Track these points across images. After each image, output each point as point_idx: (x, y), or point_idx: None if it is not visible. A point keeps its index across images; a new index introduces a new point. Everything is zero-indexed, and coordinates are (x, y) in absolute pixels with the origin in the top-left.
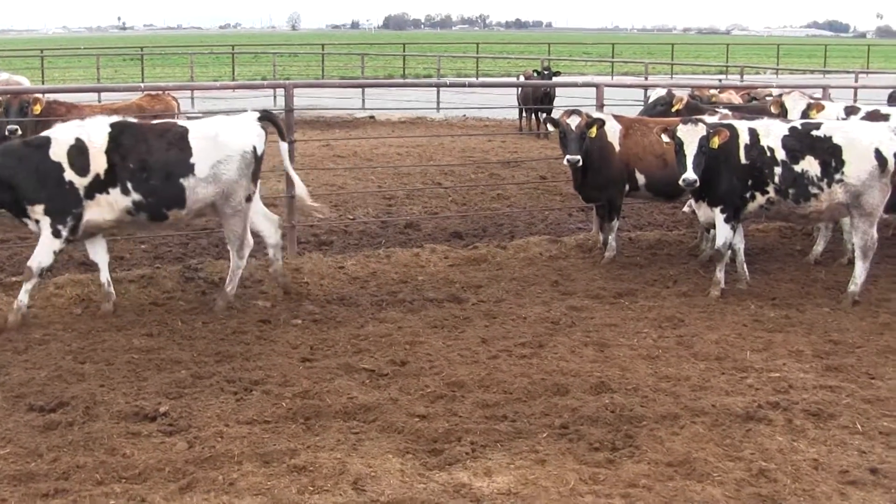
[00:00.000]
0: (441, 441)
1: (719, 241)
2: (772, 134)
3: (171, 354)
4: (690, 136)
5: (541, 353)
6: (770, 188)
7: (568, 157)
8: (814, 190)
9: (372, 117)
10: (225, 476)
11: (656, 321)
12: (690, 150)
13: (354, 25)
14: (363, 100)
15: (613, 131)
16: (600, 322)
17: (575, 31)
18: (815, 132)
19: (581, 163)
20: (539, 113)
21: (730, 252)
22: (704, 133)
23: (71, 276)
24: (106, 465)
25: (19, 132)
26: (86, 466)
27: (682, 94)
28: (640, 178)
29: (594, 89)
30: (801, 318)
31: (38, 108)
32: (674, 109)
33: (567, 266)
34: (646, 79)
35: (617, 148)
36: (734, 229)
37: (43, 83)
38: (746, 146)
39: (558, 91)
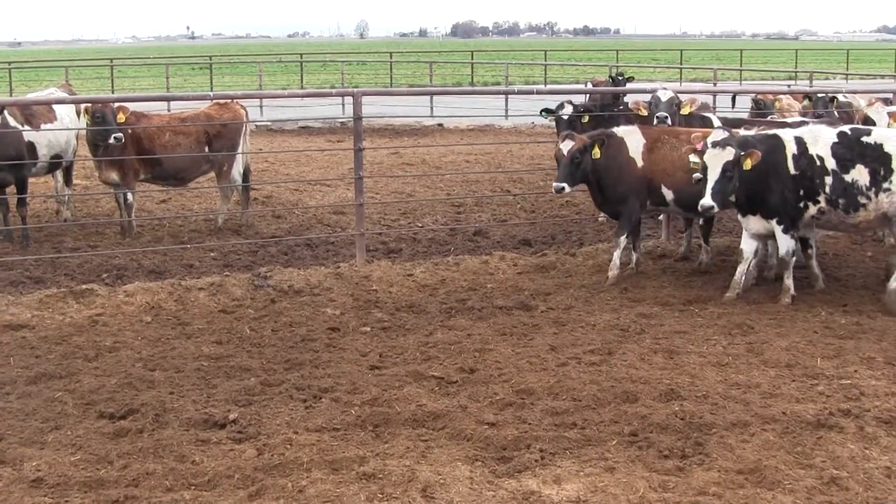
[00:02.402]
0: (510, 448)
1: (782, 251)
2: (820, 142)
3: (241, 362)
4: (715, 160)
5: (610, 361)
6: (821, 197)
7: (554, 184)
8: (863, 199)
9: (440, 125)
10: (294, 483)
11: (726, 328)
12: (713, 176)
13: (422, 33)
14: (431, 107)
15: (636, 145)
16: (670, 329)
17: (643, 37)
18: (865, 139)
19: (567, 189)
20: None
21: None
22: (731, 157)
23: (141, 283)
24: (175, 472)
25: (123, 140)
26: (155, 473)
27: (695, 97)
28: (668, 194)
29: None
30: (872, 325)
31: (122, 117)
32: (686, 112)
33: (636, 273)
34: (714, 85)
35: (639, 163)
36: (794, 238)
37: (113, 92)
38: (794, 156)
39: (627, 97)
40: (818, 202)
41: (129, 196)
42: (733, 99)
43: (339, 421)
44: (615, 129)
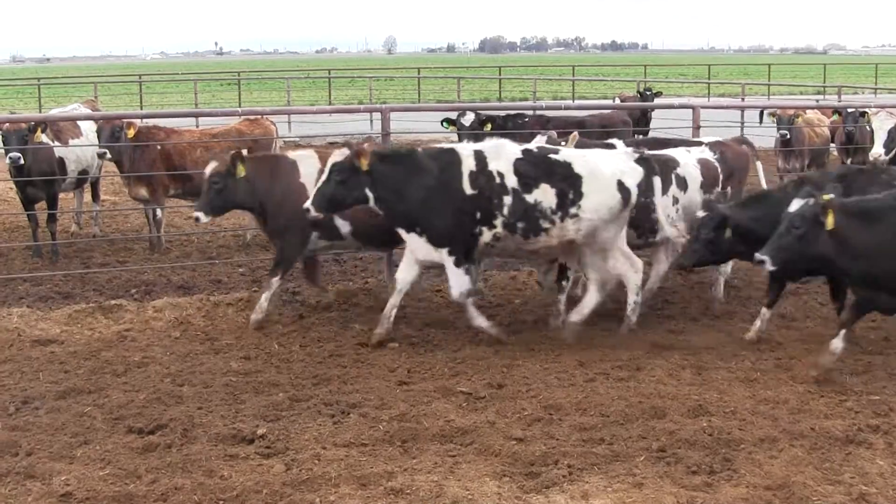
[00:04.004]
0: (538, 464)
1: (454, 292)
2: (503, 157)
3: (269, 377)
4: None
5: (638, 376)
6: (498, 221)
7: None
8: (545, 224)
9: None
10: (322, 498)
11: (754, 344)
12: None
13: (450, 49)
14: None
15: (310, 171)
16: (698, 345)
17: (671, 52)
18: (553, 156)
19: (204, 219)
20: (636, 135)
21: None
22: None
23: (169, 299)
24: (204, 486)
25: (108, 156)
26: (184, 488)
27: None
28: (343, 226)
29: (690, 111)
30: None
31: (131, 133)
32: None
33: (664, 289)
34: (742, 100)
35: (311, 190)
36: (469, 272)
37: (141, 108)
38: (472, 173)
39: (655, 113)
40: (494, 227)
41: (159, 212)
42: (761, 114)
43: (367, 436)
44: (289, 152)
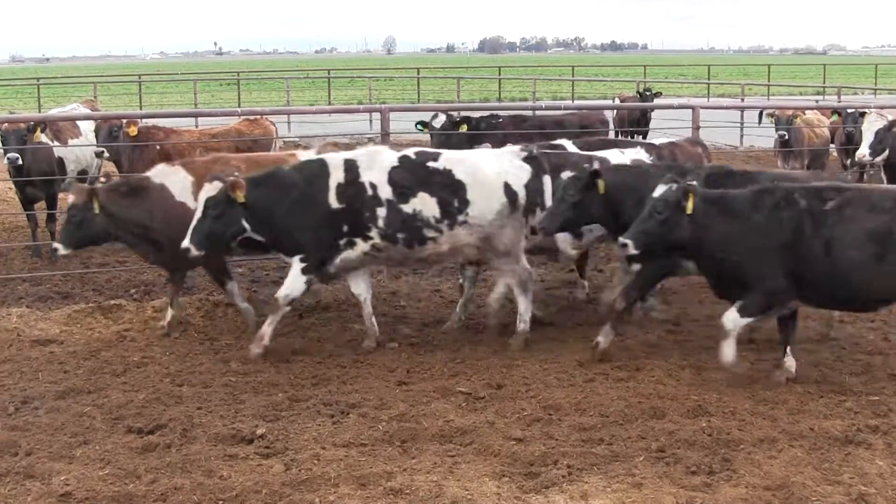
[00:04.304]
0: (537, 464)
1: (283, 291)
2: (376, 167)
3: (268, 377)
4: (202, 195)
5: (637, 377)
6: (373, 232)
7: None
8: (431, 233)
9: None
10: (321, 498)
11: (753, 344)
12: (196, 215)
13: (450, 49)
14: None
15: (182, 186)
16: (697, 345)
17: (671, 52)
18: (431, 164)
19: (62, 252)
20: (635, 135)
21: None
22: (214, 193)
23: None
24: (203, 486)
25: (106, 154)
26: (183, 488)
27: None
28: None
29: (690, 111)
30: None
31: (133, 131)
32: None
33: (662, 289)
34: (742, 100)
35: (192, 205)
36: (309, 284)
37: (141, 108)
38: (340, 185)
39: (654, 113)
40: (370, 238)
41: None
42: (760, 115)
43: (366, 436)
44: (150, 173)
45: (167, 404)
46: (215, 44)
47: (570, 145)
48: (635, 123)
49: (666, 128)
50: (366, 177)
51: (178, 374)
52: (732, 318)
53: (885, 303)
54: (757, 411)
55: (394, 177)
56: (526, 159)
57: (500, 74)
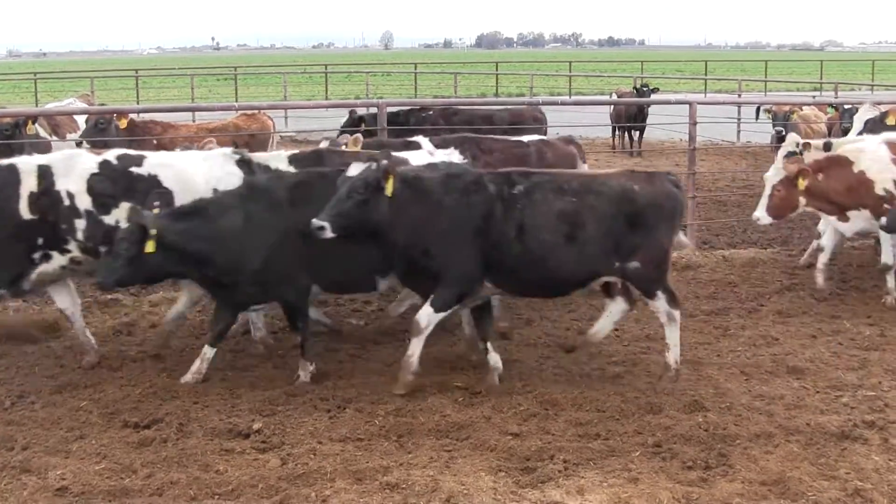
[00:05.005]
0: (534, 459)
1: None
2: (75, 173)
3: (265, 372)
4: None
5: (634, 371)
6: (72, 245)
7: None
8: None
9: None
10: (318, 493)
11: (750, 339)
12: None
13: (447, 44)
14: None
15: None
16: (694, 340)
17: (668, 48)
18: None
19: None
20: (632, 131)
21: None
22: None
23: (165, 294)
24: (199, 481)
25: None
26: (179, 482)
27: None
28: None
29: (687, 107)
30: None
31: (123, 123)
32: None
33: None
34: (739, 96)
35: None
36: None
37: (138, 103)
38: (33, 194)
39: (651, 109)
40: (68, 251)
41: None
42: (757, 111)
43: (362, 431)
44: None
45: (163, 399)
46: (212, 39)
47: (426, 143)
48: (632, 119)
49: (663, 123)
50: (62, 185)
51: (175, 369)
52: (427, 314)
53: (579, 285)
54: (753, 406)
55: (93, 185)
56: (239, 163)
57: (497, 70)
